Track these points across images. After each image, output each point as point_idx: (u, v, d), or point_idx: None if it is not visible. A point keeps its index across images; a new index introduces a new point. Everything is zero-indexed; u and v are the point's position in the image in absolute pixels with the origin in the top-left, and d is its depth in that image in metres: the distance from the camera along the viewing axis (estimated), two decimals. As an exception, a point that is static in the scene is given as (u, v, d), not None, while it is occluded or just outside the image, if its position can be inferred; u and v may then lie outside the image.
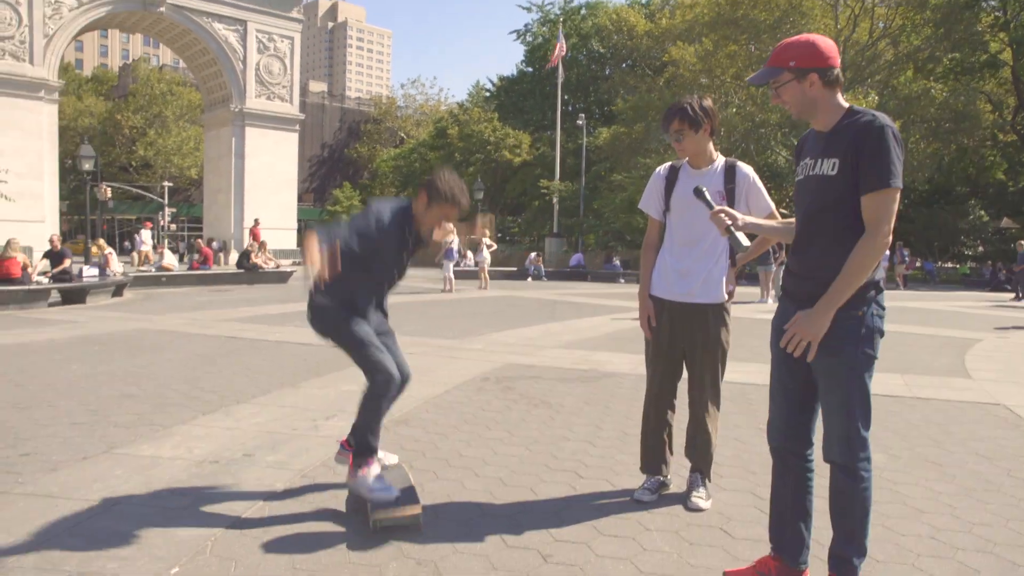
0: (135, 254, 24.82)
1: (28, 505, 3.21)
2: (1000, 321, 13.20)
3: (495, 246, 20.50)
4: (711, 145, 3.40)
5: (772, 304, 15.33)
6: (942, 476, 3.86)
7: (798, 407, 2.51)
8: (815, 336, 2.31)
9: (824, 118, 2.38)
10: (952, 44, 29.69)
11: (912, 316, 13.54)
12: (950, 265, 36.24)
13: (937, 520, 3.23)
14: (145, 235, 25.69)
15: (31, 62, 31.85)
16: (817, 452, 2.50)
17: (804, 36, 2.40)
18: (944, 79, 30.78)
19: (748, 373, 6.71)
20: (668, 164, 3.55)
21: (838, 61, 2.39)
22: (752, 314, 12.81)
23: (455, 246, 17.52)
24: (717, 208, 2.60)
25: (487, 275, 19.56)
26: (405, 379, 3.33)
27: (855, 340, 2.32)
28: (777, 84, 2.37)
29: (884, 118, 2.27)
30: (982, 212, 32.81)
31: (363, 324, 3.19)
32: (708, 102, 3.37)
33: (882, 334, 2.37)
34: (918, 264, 32.51)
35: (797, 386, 2.49)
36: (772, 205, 3.36)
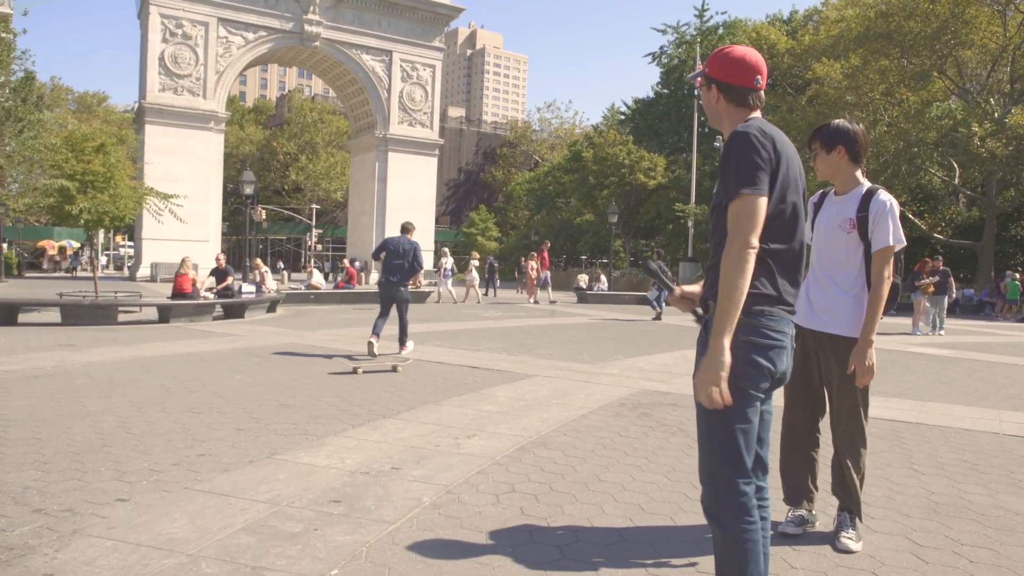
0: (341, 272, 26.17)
1: (207, 501, 3.54)
2: None
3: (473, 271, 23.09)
4: (853, 171, 3.33)
5: (922, 336, 14.26)
6: None
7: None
8: (715, 377, 1.99)
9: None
10: None
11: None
12: None
13: None
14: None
15: (204, 97, 35.34)
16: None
17: (732, 47, 2.28)
18: None
19: (900, 410, 6.32)
20: (821, 191, 3.51)
21: (751, 80, 2.24)
22: (902, 346, 11.99)
23: (449, 266, 21.53)
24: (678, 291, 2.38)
25: (477, 290, 22.52)
26: None
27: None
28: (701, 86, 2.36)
29: (748, 125, 2.12)
30: None
31: None
32: (855, 126, 3.28)
33: (767, 367, 2.11)
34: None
35: None
36: (890, 240, 3.17)
